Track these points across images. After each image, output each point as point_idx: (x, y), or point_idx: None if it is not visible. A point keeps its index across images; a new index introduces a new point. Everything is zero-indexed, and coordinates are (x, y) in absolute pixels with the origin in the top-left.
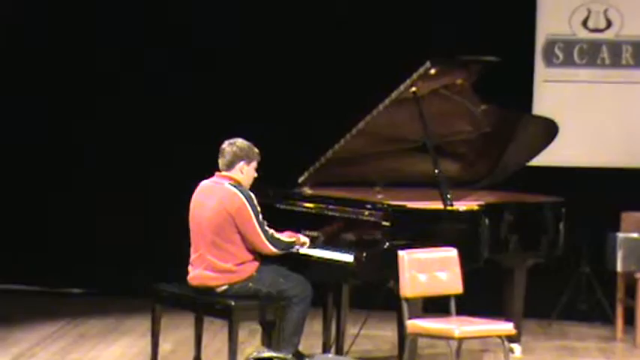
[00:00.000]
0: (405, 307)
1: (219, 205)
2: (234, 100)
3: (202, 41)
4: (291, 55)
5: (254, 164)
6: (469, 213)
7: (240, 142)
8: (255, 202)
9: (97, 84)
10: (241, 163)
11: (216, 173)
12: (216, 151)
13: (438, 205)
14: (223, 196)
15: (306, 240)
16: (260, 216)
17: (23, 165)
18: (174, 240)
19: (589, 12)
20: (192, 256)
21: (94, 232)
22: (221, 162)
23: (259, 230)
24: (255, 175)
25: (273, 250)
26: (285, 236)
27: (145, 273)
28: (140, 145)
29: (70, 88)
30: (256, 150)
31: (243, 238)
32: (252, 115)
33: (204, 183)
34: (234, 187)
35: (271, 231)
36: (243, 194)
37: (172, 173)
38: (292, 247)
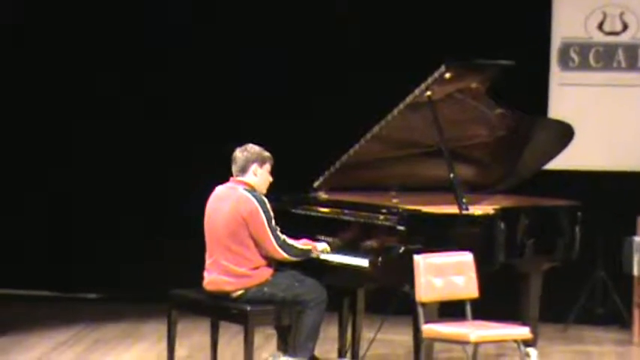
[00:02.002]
0: (420, 311)
1: (233, 209)
2: (249, 104)
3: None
4: (307, 59)
5: (267, 167)
6: (484, 217)
7: (251, 146)
8: (269, 206)
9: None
10: (254, 166)
11: (231, 179)
12: (230, 156)
13: (453, 209)
14: (237, 200)
15: (325, 246)
16: (273, 221)
17: (45, 168)
18: (190, 245)
19: (605, 15)
20: (208, 261)
21: (112, 236)
22: (234, 168)
23: (271, 235)
24: (270, 179)
25: (285, 255)
26: (301, 243)
27: (161, 278)
28: (159, 146)
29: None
30: (268, 154)
31: (256, 243)
32: (267, 120)
33: (219, 188)
34: (248, 192)
35: (283, 237)
36: (256, 199)
37: (190, 176)
38: (307, 255)
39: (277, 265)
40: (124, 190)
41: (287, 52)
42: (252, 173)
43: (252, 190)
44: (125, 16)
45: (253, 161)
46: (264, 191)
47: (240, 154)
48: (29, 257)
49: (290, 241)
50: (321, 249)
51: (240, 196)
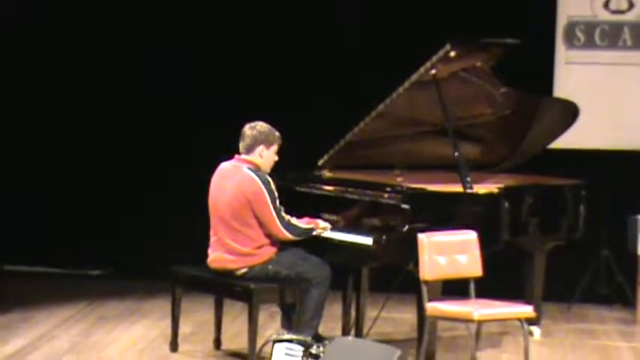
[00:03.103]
0: (424, 289)
1: (236, 189)
2: (255, 82)
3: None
4: (313, 37)
5: (274, 148)
6: (489, 196)
7: (260, 125)
8: (273, 186)
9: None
10: (260, 147)
11: (236, 156)
12: (236, 136)
13: (457, 188)
14: (241, 180)
15: (327, 225)
16: (277, 201)
17: (48, 146)
18: (194, 221)
19: None
20: (212, 239)
21: (115, 213)
22: (241, 145)
23: (275, 216)
24: (276, 158)
25: (289, 235)
26: (304, 222)
27: (165, 255)
28: (160, 130)
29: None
30: (277, 134)
31: (260, 223)
32: (273, 98)
33: (223, 165)
34: (252, 171)
35: (288, 217)
36: (261, 179)
37: (193, 154)
38: (310, 233)
39: (281, 243)
40: (126, 170)
41: (294, 33)
42: (257, 154)
43: (256, 169)
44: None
45: (261, 142)
46: (269, 170)
47: (249, 131)
48: (32, 234)
49: (294, 221)
50: (322, 226)
51: (244, 176)
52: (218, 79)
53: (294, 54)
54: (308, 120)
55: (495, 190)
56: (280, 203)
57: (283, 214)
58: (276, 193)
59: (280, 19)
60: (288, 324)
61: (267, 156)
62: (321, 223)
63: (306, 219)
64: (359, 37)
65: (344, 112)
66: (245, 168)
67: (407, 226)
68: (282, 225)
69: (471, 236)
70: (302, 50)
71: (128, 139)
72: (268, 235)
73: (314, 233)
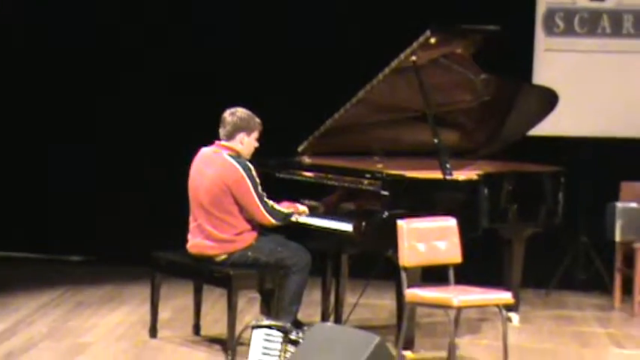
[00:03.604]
0: (403, 276)
1: (217, 176)
2: (235, 68)
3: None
4: (290, 24)
5: (255, 135)
6: (468, 182)
7: (241, 111)
8: (254, 173)
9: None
10: (241, 134)
11: (216, 142)
12: (216, 122)
13: (437, 174)
14: (221, 167)
15: (305, 209)
16: (259, 187)
17: (25, 129)
18: (173, 207)
19: None
20: (191, 225)
21: (94, 199)
22: (221, 131)
23: (258, 202)
24: (256, 144)
25: (273, 221)
26: (284, 207)
27: (144, 241)
28: (140, 117)
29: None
30: (258, 120)
31: (242, 210)
32: (253, 83)
33: (204, 151)
34: (233, 158)
35: (271, 202)
36: (242, 165)
37: (171, 141)
38: (291, 217)
39: (261, 229)
40: (106, 156)
41: (274, 19)
42: (238, 141)
43: (236, 155)
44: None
45: (242, 129)
46: (249, 157)
47: (229, 117)
48: (11, 219)
49: (277, 207)
50: (301, 209)
51: (224, 163)
52: (196, 63)
53: (275, 40)
54: (287, 106)
55: (475, 177)
56: (262, 189)
57: (266, 199)
58: (257, 180)
59: (261, 3)
60: (268, 310)
61: (247, 143)
62: (300, 207)
63: (285, 203)
64: (340, 24)
65: (324, 99)
66: (225, 154)
67: (386, 213)
68: (266, 210)
69: (450, 223)
70: (282, 36)
71: (107, 123)
72: (249, 221)
73: (293, 218)
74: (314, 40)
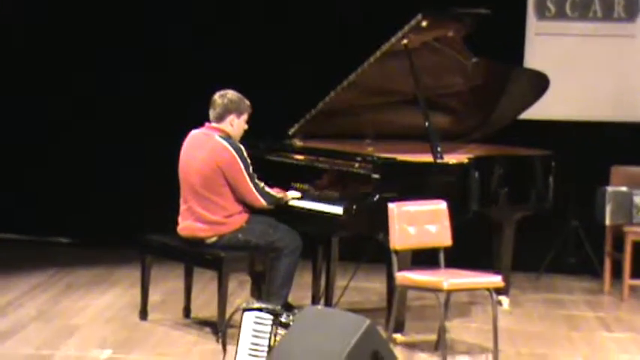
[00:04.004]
0: (394, 259)
1: (208, 158)
2: (227, 52)
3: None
4: (283, 9)
5: (245, 117)
6: (459, 166)
7: (231, 94)
8: (245, 154)
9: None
10: (231, 116)
11: (207, 124)
12: (207, 105)
13: (428, 158)
14: (213, 149)
15: (297, 195)
16: (250, 168)
17: (22, 116)
18: (164, 189)
19: None
20: (182, 207)
21: (85, 181)
22: (212, 114)
23: (250, 183)
24: (246, 127)
25: (263, 202)
26: (275, 192)
27: (134, 223)
28: (135, 98)
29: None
30: (247, 102)
31: (234, 191)
32: (244, 67)
33: (194, 133)
34: (224, 139)
35: (262, 184)
36: (233, 147)
37: (164, 123)
38: (281, 202)
39: (252, 212)
40: (97, 139)
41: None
42: (228, 123)
43: (227, 137)
44: None
45: (232, 111)
46: (239, 139)
47: (219, 99)
48: (1, 201)
49: (268, 189)
50: (291, 196)
51: (215, 144)
52: (194, 44)
53: (268, 23)
54: (279, 89)
55: (465, 160)
56: (253, 171)
57: (257, 181)
58: (249, 161)
59: None
60: (258, 293)
61: (237, 125)
62: (290, 194)
63: (276, 189)
64: (331, 7)
65: (317, 82)
66: (217, 136)
67: (377, 196)
68: (258, 191)
69: (440, 206)
70: (275, 19)
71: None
72: (240, 203)
73: (283, 202)
74: (305, 22)
